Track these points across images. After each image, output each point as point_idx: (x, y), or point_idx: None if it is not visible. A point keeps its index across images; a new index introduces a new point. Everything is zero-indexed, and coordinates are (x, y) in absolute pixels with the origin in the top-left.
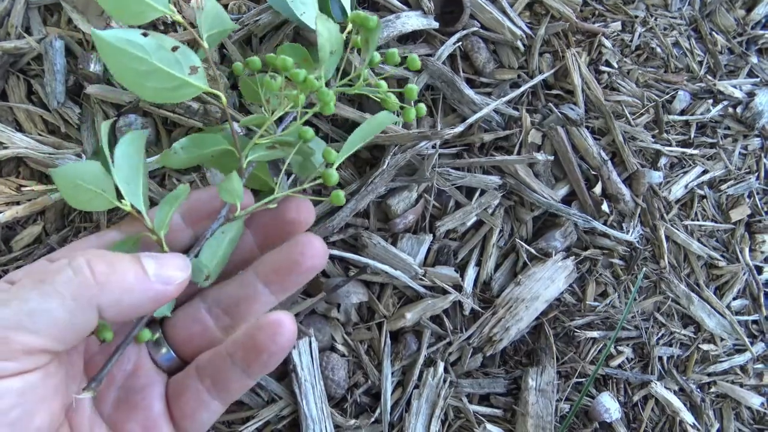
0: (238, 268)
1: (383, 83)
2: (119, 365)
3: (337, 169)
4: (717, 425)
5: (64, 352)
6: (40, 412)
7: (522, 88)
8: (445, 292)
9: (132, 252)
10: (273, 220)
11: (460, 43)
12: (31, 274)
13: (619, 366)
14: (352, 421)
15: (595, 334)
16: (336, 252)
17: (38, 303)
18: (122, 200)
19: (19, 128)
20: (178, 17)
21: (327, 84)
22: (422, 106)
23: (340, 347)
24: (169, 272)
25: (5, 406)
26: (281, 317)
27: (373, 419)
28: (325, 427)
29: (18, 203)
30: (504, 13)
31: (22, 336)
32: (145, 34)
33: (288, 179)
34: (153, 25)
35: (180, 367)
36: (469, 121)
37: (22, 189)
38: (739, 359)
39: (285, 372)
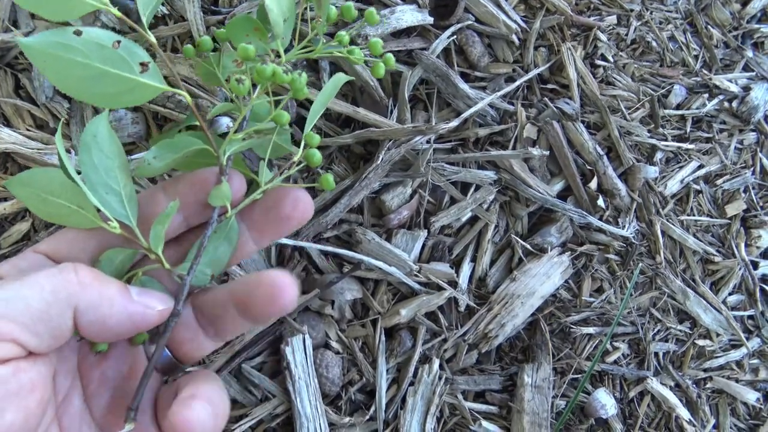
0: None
1: (344, 34)
2: (115, 366)
3: (329, 165)
4: (713, 421)
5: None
6: (10, 408)
7: (517, 83)
8: (439, 288)
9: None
10: (267, 216)
11: (455, 36)
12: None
13: (615, 362)
14: (347, 419)
15: (591, 330)
16: (330, 248)
17: (16, 291)
18: (110, 223)
19: (7, 123)
20: (115, 10)
21: (285, 50)
22: (390, 56)
23: (334, 344)
24: (151, 301)
25: None
26: (280, 279)
27: (368, 417)
28: (320, 425)
29: (5, 200)
30: (499, 6)
31: None
32: (78, 33)
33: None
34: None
35: (172, 369)
36: (464, 115)
37: None
38: (735, 354)
39: (278, 370)
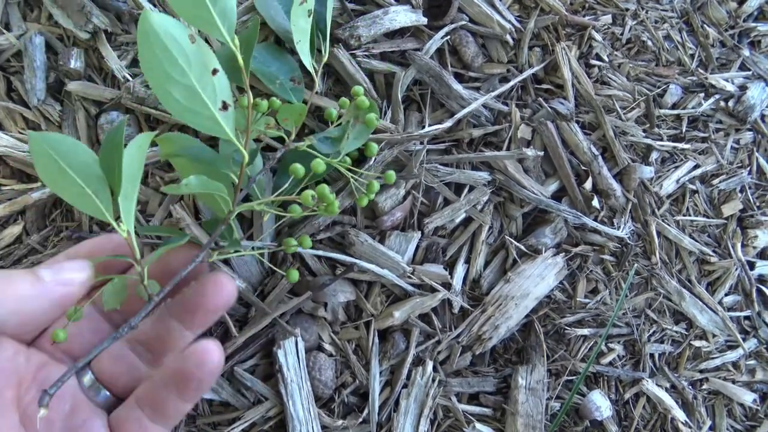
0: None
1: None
2: (56, 406)
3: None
4: (709, 422)
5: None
6: None
7: (511, 83)
8: (433, 290)
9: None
10: (165, 264)
11: (449, 37)
12: None
13: (610, 363)
14: (340, 422)
15: (585, 331)
16: (321, 252)
17: None
18: (120, 223)
19: None
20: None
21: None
22: (391, 173)
23: (327, 347)
24: (67, 275)
25: None
26: (206, 346)
27: (361, 419)
28: (312, 427)
29: None
30: (493, 6)
31: None
32: (192, 39)
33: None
34: None
35: (116, 405)
36: (457, 116)
37: (2, 188)
38: (732, 356)
39: (271, 373)
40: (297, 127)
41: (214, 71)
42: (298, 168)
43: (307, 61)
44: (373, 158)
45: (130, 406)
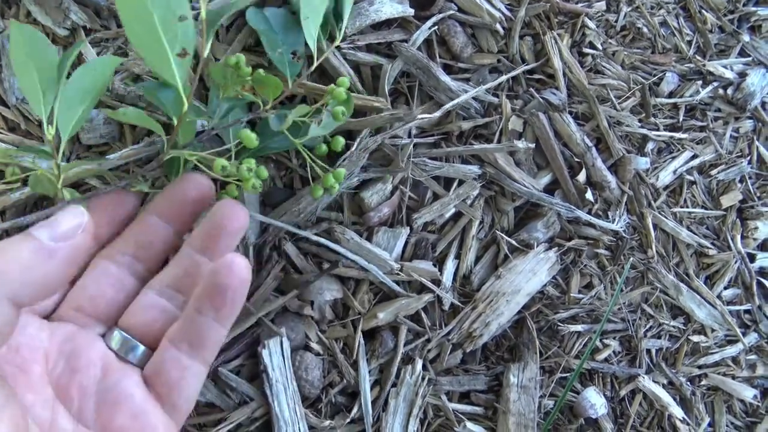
0: (169, 255)
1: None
2: (87, 375)
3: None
4: (708, 419)
5: (16, 367)
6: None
7: (502, 78)
8: (421, 290)
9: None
10: (180, 204)
11: (436, 27)
12: None
13: (606, 360)
14: (327, 422)
15: (579, 327)
16: (305, 233)
17: None
18: (50, 125)
19: None
20: None
21: None
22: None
23: (314, 346)
24: (66, 227)
25: None
26: (230, 256)
27: (349, 419)
28: (299, 428)
29: None
30: None
31: None
32: None
33: None
34: None
35: (148, 358)
36: (446, 107)
37: None
38: (731, 350)
39: (257, 373)
40: (276, 99)
41: (182, 18)
42: (249, 136)
43: (311, 42)
44: (355, 147)
45: (164, 350)
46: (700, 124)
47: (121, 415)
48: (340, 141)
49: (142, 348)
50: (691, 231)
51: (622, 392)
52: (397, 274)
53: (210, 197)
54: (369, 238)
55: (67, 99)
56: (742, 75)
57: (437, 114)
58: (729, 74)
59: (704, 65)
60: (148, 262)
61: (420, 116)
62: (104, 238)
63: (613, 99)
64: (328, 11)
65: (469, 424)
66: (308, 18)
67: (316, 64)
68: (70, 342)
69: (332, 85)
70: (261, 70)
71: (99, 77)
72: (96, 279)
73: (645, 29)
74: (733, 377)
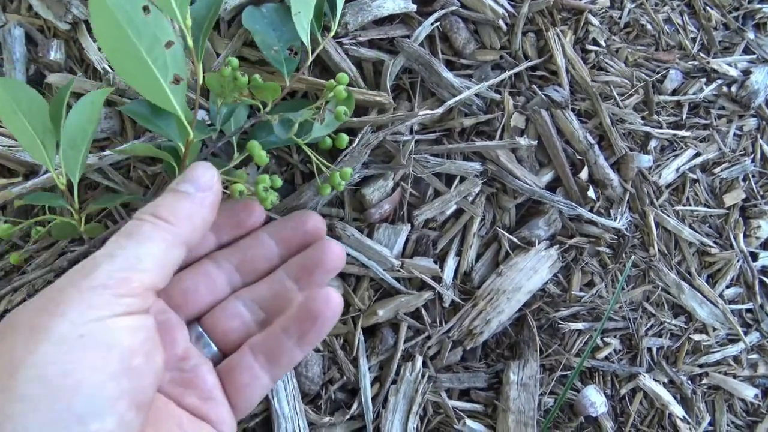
0: (266, 274)
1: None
2: (170, 351)
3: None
4: (708, 418)
5: None
6: (159, 351)
7: (505, 74)
8: (423, 283)
9: None
10: (291, 228)
11: (439, 23)
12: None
13: (606, 358)
14: (327, 419)
15: (580, 325)
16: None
17: (139, 249)
18: (59, 173)
19: None
20: None
21: None
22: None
23: None
24: (204, 180)
25: (141, 339)
26: (329, 290)
27: (348, 416)
28: (299, 425)
29: None
30: None
31: (138, 275)
32: (146, 9)
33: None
34: None
35: (219, 360)
36: (448, 104)
37: None
38: (732, 349)
39: None
40: (275, 100)
41: (168, 44)
42: (260, 155)
43: (305, 37)
44: (356, 143)
45: (243, 354)
46: (704, 121)
47: (193, 396)
48: (344, 138)
49: (215, 349)
50: (694, 229)
51: (623, 391)
52: (398, 271)
53: (321, 236)
54: (370, 235)
55: (68, 141)
56: (747, 72)
57: (440, 111)
58: (733, 72)
59: (708, 63)
60: (247, 276)
61: (422, 113)
62: (224, 240)
63: (616, 96)
64: (320, 4)
65: (469, 422)
66: (299, 13)
67: (311, 58)
68: (163, 315)
69: (331, 80)
70: (257, 76)
71: (94, 112)
72: (194, 275)
73: (649, 26)
74: (734, 376)
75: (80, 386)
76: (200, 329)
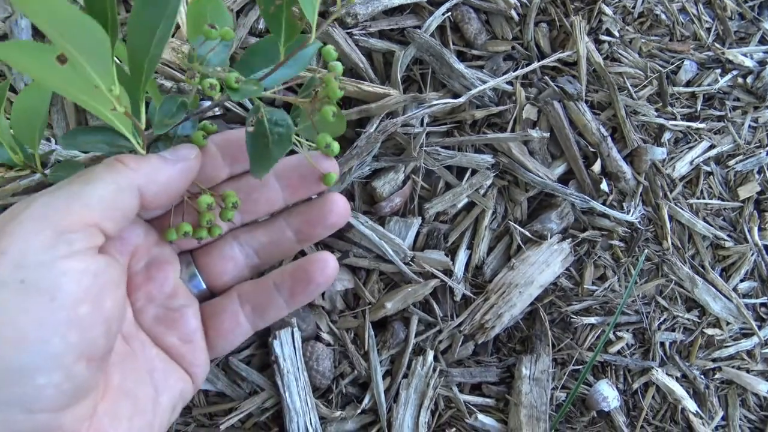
0: (266, 217)
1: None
2: (159, 287)
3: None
4: (721, 413)
5: (117, 257)
6: (109, 296)
7: (522, 71)
8: (434, 277)
9: None
10: (300, 176)
11: (450, 13)
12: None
13: (619, 352)
14: (338, 413)
15: (592, 319)
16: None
17: (86, 186)
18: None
19: None
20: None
21: None
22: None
23: (325, 336)
24: (182, 152)
25: (86, 285)
26: (328, 256)
27: (359, 410)
28: (310, 419)
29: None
30: None
31: (80, 209)
32: (61, 59)
33: None
34: None
35: (207, 298)
36: (463, 98)
37: None
38: (746, 344)
39: (267, 363)
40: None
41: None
42: (332, 82)
43: (310, 11)
44: (372, 128)
45: (230, 300)
46: (718, 113)
47: (174, 335)
48: (333, 176)
49: (203, 287)
50: (707, 222)
51: (635, 385)
52: (409, 264)
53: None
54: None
55: (20, 120)
56: (762, 63)
57: (461, 99)
58: (749, 63)
59: (723, 53)
60: (247, 216)
61: (443, 101)
62: (236, 172)
63: (630, 87)
64: None
65: (481, 416)
66: None
67: (314, 35)
68: (157, 249)
69: (326, 74)
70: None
71: (46, 94)
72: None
73: (663, 16)
74: (748, 371)
75: (24, 340)
76: (193, 266)
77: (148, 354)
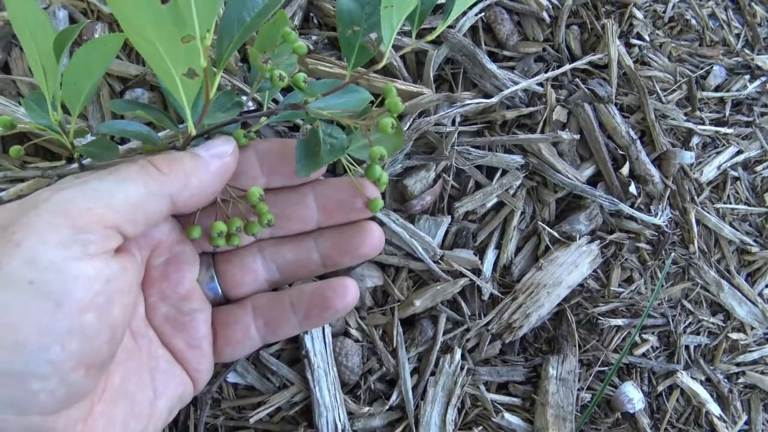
0: (296, 228)
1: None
2: (174, 287)
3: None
4: (745, 417)
5: (136, 253)
6: (118, 303)
7: (553, 72)
8: (462, 276)
9: None
10: (339, 201)
11: (483, 14)
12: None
13: (644, 355)
14: (366, 408)
15: (619, 321)
16: None
17: (114, 185)
18: (54, 105)
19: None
20: None
21: None
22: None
23: (354, 332)
24: (219, 148)
25: (94, 291)
26: (349, 282)
27: (387, 406)
28: (338, 414)
29: (22, 180)
30: None
31: (102, 208)
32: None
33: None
34: None
35: (221, 303)
36: (504, 93)
37: (27, 166)
38: None
39: (297, 357)
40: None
41: (188, 38)
42: (393, 93)
43: (387, 36)
44: (405, 126)
45: (244, 310)
46: (747, 119)
47: (181, 339)
48: (379, 203)
49: (219, 292)
50: (734, 227)
51: (660, 388)
52: (438, 262)
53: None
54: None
55: (71, 75)
56: None
57: (494, 99)
58: None
59: (752, 59)
60: (277, 231)
61: (476, 101)
62: (273, 185)
63: (659, 91)
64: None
65: (507, 415)
66: (390, 7)
67: (383, 62)
68: (179, 247)
69: (389, 84)
70: (393, 120)
71: (106, 54)
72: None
73: (693, 21)
74: None
75: (23, 346)
76: (212, 269)
77: (154, 353)
